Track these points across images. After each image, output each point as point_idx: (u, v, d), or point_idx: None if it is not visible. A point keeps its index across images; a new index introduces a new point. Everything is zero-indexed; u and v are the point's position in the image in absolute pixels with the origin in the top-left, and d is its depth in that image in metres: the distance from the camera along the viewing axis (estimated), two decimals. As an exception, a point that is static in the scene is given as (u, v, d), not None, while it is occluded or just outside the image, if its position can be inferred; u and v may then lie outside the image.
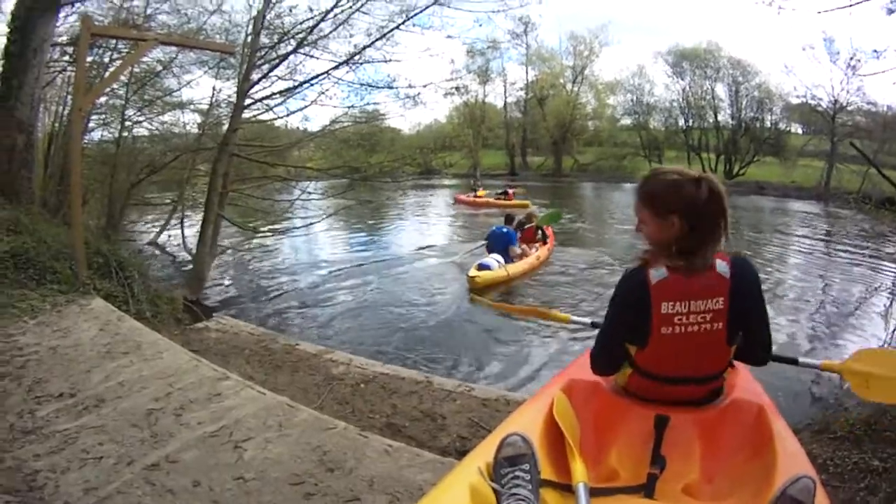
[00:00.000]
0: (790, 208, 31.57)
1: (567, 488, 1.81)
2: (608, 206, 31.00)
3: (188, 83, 12.18)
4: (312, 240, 14.67)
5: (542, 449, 1.94)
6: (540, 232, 13.22)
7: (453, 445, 3.96)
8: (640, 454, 2.05)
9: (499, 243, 11.64)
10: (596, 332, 2.44)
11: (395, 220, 21.01)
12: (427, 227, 20.00)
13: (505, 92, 51.89)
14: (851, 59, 38.74)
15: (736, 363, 2.48)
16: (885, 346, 5.92)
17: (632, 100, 51.55)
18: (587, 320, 3.18)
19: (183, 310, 7.64)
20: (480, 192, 25.68)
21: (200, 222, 9.34)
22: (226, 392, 4.01)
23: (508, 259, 11.37)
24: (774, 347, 2.45)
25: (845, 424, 4.62)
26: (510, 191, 25.72)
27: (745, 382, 2.55)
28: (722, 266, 2.06)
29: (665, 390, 2.23)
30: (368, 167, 11.86)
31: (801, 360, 3.01)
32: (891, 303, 5.87)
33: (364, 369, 5.42)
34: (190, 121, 13.04)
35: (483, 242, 12.38)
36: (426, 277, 11.64)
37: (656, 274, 2.07)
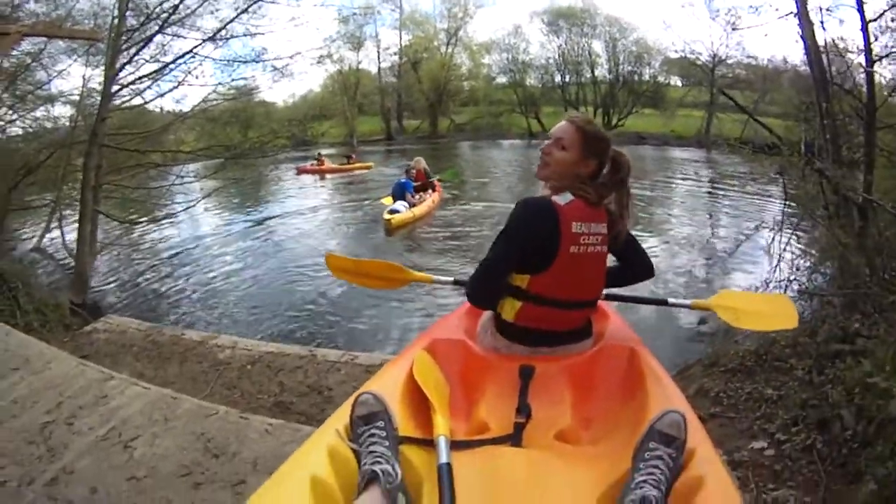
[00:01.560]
0: (671, 156, 33.06)
1: (429, 443, 1.84)
2: (486, 162, 31.77)
3: (59, 73, 11.38)
4: (195, 225, 14.33)
5: (404, 407, 2.00)
6: (431, 182, 15.96)
7: None
8: (507, 406, 2.10)
9: (399, 192, 14.11)
10: (458, 288, 2.70)
11: (271, 195, 21.00)
12: (297, 198, 20.07)
13: (378, 57, 51.26)
14: (728, 13, 40.44)
15: (607, 310, 2.87)
16: (768, 283, 6.62)
17: (507, 59, 51.80)
18: (450, 279, 3.27)
19: (71, 314, 7.39)
20: (323, 161, 26.48)
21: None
22: (112, 392, 4.04)
23: (409, 204, 13.86)
24: (656, 290, 2.96)
25: (735, 357, 5.02)
26: (352, 156, 28.05)
27: (616, 328, 2.69)
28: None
29: (556, 315, 2.33)
30: (240, 144, 11.65)
31: (671, 300, 3.40)
32: (772, 239, 6.32)
33: (250, 350, 5.49)
34: (63, 114, 12.26)
35: (388, 195, 14.73)
36: (302, 249, 11.96)
37: (562, 199, 2.27)
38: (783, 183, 6.82)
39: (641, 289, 3.16)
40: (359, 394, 1.88)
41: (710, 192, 19.32)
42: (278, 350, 5.45)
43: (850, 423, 3.47)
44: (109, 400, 3.91)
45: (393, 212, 13.10)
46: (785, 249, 6.39)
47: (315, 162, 26.02)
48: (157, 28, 8.94)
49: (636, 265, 2.66)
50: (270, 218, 15.88)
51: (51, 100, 11.61)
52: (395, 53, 51.89)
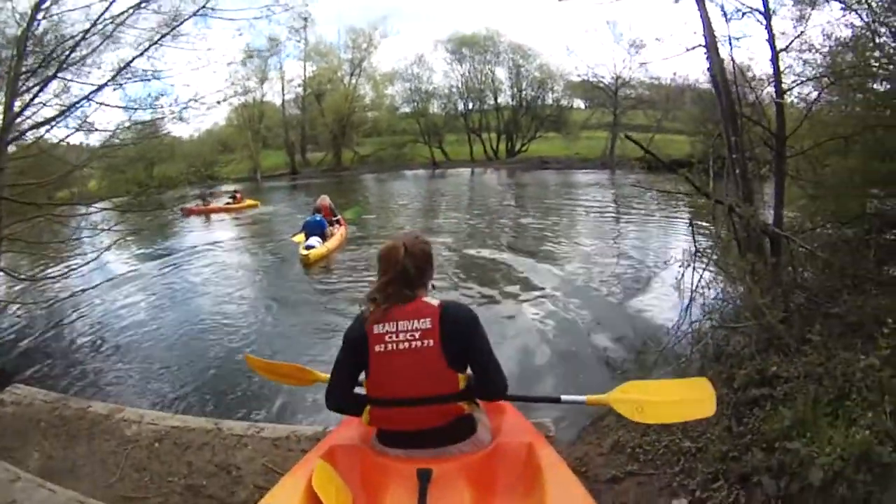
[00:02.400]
0: (576, 180, 33.53)
1: None
2: (389, 195, 31.59)
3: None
4: (101, 273, 13.51)
5: None
6: (336, 217, 16.28)
7: (251, 499, 3.92)
8: None
9: (315, 229, 14.42)
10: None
11: (173, 238, 20.28)
12: (200, 239, 19.50)
13: (283, 90, 50.91)
14: (633, 43, 42.01)
15: (503, 404, 3.00)
16: (679, 324, 6.36)
17: (410, 88, 52.44)
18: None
19: None
20: (209, 202, 26.40)
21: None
22: (19, 497, 3.80)
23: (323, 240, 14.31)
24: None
25: None
26: (237, 195, 27.39)
27: (514, 422, 2.86)
28: (431, 300, 2.56)
29: (401, 414, 2.49)
30: (143, 186, 11.42)
31: (563, 398, 3.24)
32: (681, 275, 6.32)
33: (156, 425, 5.17)
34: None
35: (296, 232, 15.18)
36: (212, 295, 11.75)
37: (368, 309, 2.57)
38: (691, 226, 6.68)
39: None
40: None
41: (615, 218, 19.50)
42: (184, 424, 5.12)
43: (770, 489, 3.38)
44: (18, 507, 3.66)
45: (308, 247, 13.66)
46: (697, 286, 6.15)
47: (201, 202, 25.83)
48: (54, 70, 8.62)
49: (481, 379, 2.64)
50: (178, 263, 15.43)
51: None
52: (299, 85, 51.69)
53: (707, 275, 6.15)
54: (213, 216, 24.99)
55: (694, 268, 6.04)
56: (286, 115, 51.91)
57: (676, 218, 16.58)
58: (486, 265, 12.72)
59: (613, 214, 20.43)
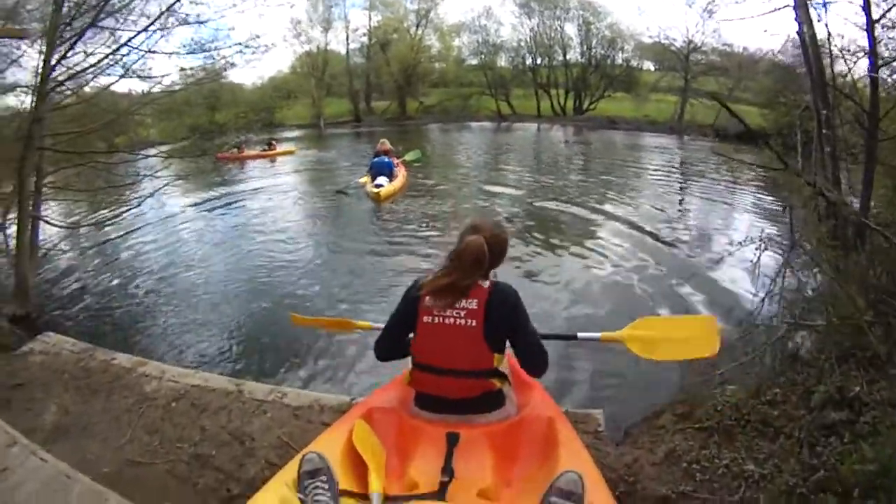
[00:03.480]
0: (644, 142, 32.51)
1: (366, 497, 2.20)
2: (453, 144, 31.43)
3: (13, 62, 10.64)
4: (148, 220, 13.55)
5: (345, 466, 2.35)
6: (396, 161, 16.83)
7: (260, 475, 3.79)
8: (434, 467, 2.44)
9: (384, 169, 15.35)
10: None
11: (232, 182, 20.39)
12: (256, 185, 19.54)
13: (347, 38, 50.39)
14: (707, 6, 40.59)
15: (532, 384, 3.18)
16: (755, 312, 6.02)
17: (478, 40, 51.32)
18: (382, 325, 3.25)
19: (11, 323, 7.20)
20: (243, 149, 26.34)
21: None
22: (12, 464, 3.78)
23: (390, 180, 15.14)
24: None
25: (713, 410, 4.36)
26: (273, 142, 28.09)
27: (540, 399, 3.04)
28: (484, 282, 2.72)
29: (436, 382, 2.71)
30: (201, 132, 11.27)
31: (580, 335, 3.56)
32: (757, 259, 5.73)
33: (176, 382, 5.17)
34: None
35: (365, 175, 16.02)
36: (262, 243, 11.48)
37: (427, 279, 2.76)
38: (790, 217, 6.08)
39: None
40: (305, 452, 2.26)
41: (682, 184, 18.86)
42: (204, 383, 5.12)
43: None
44: (9, 475, 3.66)
45: (378, 186, 14.65)
46: (781, 274, 5.66)
47: (236, 150, 25.82)
48: (92, 17, 8.34)
49: (521, 357, 2.85)
50: (230, 207, 15.59)
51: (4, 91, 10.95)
52: (364, 35, 51.10)
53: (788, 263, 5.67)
54: (249, 161, 25.51)
55: (788, 259, 5.62)
56: (351, 63, 51.42)
57: (746, 191, 15.97)
58: (548, 218, 12.43)
59: (680, 181, 19.79)
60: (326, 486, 2.13)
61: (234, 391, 4.91)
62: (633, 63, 49.95)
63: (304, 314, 4.76)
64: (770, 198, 14.44)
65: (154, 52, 9.15)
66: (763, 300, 5.80)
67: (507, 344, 2.79)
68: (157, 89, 9.97)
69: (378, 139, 18.14)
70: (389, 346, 2.95)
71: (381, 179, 15.01)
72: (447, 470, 2.41)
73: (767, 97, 29.69)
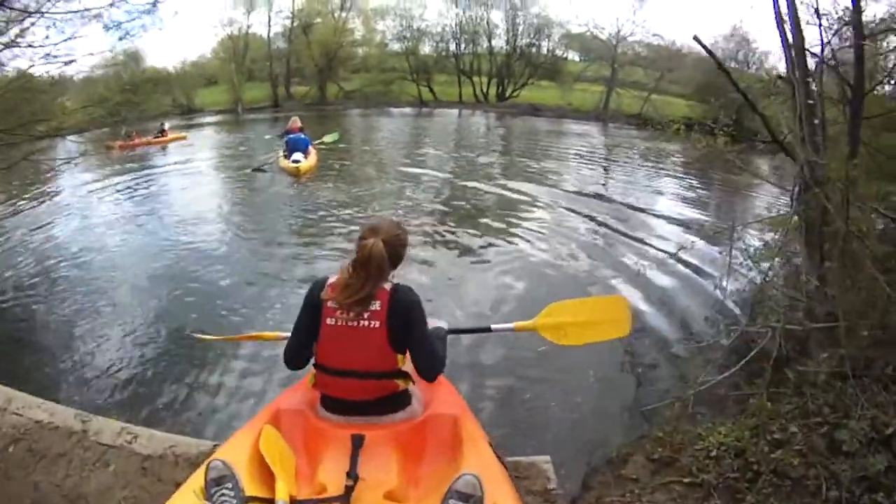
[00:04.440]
0: (567, 129, 32.70)
1: (272, 502, 2.25)
2: (373, 129, 31.27)
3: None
4: (43, 214, 12.34)
5: (251, 472, 2.39)
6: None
7: None
8: (340, 470, 2.46)
9: (301, 144, 16.00)
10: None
11: (139, 173, 19.07)
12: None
13: (269, 21, 49.45)
14: None
15: (443, 382, 3.17)
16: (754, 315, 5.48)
17: (402, 24, 50.62)
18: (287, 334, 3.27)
19: None
20: (134, 136, 26.00)
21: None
22: None
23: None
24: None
25: (704, 457, 3.62)
26: (165, 128, 27.97)
27: (446, 397, 3.11)
28: (385, 284, 2.73)
29: (339, 384, 2.77)
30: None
31: (493, 327, 3.67)
32: (730, 248, 5.28)
33: (19, 416, 4.36)
34: None
35: (278, 153, 16.66)
36: (158, 241, 10.44)
37: (330, 282, 2.78)
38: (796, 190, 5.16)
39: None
40: (210, 460, 2.28)
41: (609, 169, 18.96)
42: (49, 419, 4.31)
43: None
44: None
45: (296, 161, 15.37)
46: (771, 270, 5.11)
47: (127, 138, 25.39)
48: None
49: (414, 359, 2.83)
50: (136, 194, 15.02)
51: None
52: (287, 17, 50.12)
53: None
54: (141, 149, 25.17)
55: (784, 249, 5.20)
56: (272, 48, 50.70)
57: (676, 175, 15.89)
58: (466, 200, 12.19)
59: (604, 164, 19.71)
60: (232, 494, 2.19)
61: (78, 431, 4.17)
62: (559, 52, 50.16)
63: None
64: (698, 182, 14.51)
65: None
66: (724, 295, 5.54)
67: None
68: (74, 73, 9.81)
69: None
70: (298, 353, 2.94)
71: (298, 155, 15.60)
72: (352, 472, 2.43)
73: (696, 89, 31.46)
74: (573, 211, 11.56)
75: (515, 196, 13.05)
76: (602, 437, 4.62)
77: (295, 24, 49.93)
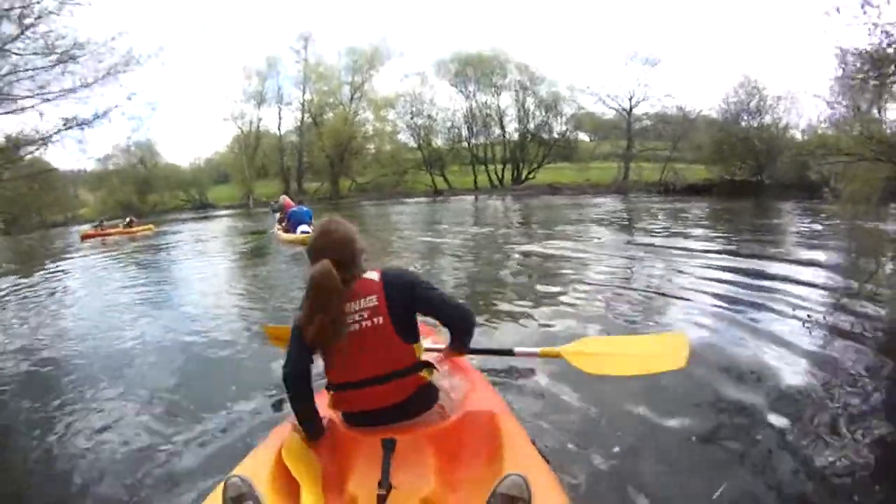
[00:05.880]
0: (588, 202, 31.38)
1: None
2: (387, 217, 30.30)
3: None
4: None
5: (274, 487, 2.21)
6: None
7: None
8: (371, 479, 2.28)
9: (305, 216, 16.26)
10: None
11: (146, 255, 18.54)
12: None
13: (279, 114, 51.33)
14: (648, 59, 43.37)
15: (472, 375, 3.19)
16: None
17: (412, 111, 51.63)
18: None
19: None
20: (104, 227, 28.73)
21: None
22: None
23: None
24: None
25: None
26: (134, 220, 29.68)
27: (481, 393, 2.97)
28: (371, 274, 2.68)
29: (363, 395, 2.59)
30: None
31: (517, 350, 3.57)
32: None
33: None
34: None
35: (280, 227, 17.55)
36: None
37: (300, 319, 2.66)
38: None
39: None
40: (228, 477, 2.06)
41: (630, 234, 17.51)
42: None
43: None
44: None
45: (304, 232, 15.24)
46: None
47: (98, 227, 28.31)
48: None
49: (446, 321, 2.86)
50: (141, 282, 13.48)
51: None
52: (297, 109, 51.70)
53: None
54: (109, 239, 25.78)
55: None
56: (282, 141, 52.10)
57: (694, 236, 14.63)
58: (490, 283, 10.63)
59: (628, 229, 18.35)
60: None
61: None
62: (570, 136, 50.73)
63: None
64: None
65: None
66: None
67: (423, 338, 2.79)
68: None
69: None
70: (297, 369, 2.63)
71: (304, 227, 15.93)
72: (384, 481, 2.25)
73: (711, 150, 32.60)
74: (609, 277, 10.31)
75: (549, 252, 12.00)
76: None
77: (306, 116, 51.28)
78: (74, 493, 3.72)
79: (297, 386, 2.63)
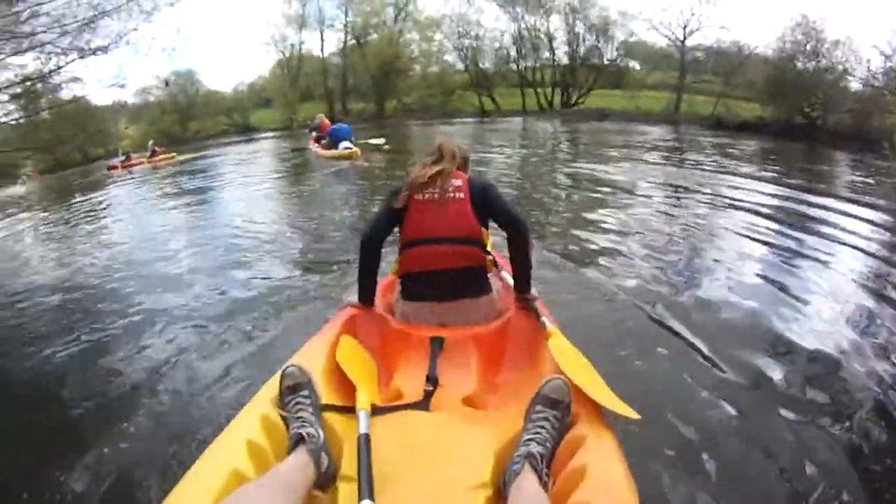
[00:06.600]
0: (638, 130, 30.44)
1: (350, 410, 2.20)
2: (431, 140, 29.75)
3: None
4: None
5: (327, 379, 2.39)
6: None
7: None
8: (418, 375, 2.47)
9: (346, 133, 17.08)
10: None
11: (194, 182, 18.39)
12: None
13: (322, 36, 50.18)
14: None
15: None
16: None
17: (458, 31, 49.80)
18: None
19: None
20: (130, 157, 28.81)
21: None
22: None
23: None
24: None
25: None
26: (157, 149, 29.51)
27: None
28: (462, 174, 3.18)
29: (429, 254, 2.90)
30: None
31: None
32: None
33: None
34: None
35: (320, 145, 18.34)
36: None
37: (413, 174, 3.13)
38: None
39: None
40: (286, 366, 2.23)
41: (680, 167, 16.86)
42: None
43: None
44: None
45: (347, 148, 16.25)
46: None
47: (123, 158, 28.28)
48: None
49: (505, 221, 3.02)
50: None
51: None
52: (339, 30, 50.57)
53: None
54: (135, 169, 26.34)
55: None
56: (326, 63, 51.15)
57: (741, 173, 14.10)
58: (533, 202, 10.42)
59: (677, 165, 17.68)
60: (308, 402, 2.11)
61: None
62: (620, 63, 48.80)
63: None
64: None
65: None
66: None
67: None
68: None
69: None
70: (378, 233, 3.03)
71: (346, 143, 16.51)
72: (431, 377, 2.43)
73: (764, 89, 31.72)
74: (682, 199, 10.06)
75: (596, 175, 12.68)
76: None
77: (348, 38, 50.43)
78: (144, 390, 4.15)
79: (370, 249, 3.03)
